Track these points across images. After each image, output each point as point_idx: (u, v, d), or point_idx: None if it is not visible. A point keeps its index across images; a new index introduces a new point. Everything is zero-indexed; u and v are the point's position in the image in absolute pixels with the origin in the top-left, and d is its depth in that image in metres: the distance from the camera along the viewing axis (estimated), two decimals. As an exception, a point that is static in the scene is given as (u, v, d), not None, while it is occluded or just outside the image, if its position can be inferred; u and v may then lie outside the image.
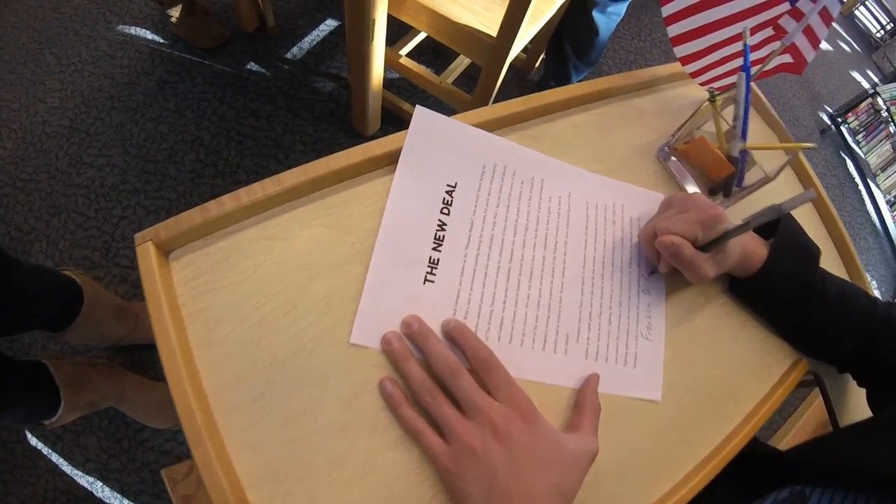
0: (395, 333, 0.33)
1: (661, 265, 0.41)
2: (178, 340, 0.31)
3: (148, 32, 1.29)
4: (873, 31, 2.93)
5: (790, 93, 2.29)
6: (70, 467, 0.90)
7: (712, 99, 0.44)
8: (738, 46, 0.50)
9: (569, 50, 1.27)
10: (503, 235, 0.40)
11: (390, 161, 0.40)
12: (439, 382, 0.32)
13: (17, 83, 1.19)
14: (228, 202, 0.34)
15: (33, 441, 0.91)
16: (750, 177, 0.46)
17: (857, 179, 2.25)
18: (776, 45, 0.51)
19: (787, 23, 0.49)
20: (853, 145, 2.25)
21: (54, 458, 0.90)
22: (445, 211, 0.39)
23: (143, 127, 1.15)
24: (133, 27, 1.29)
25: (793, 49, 0.52)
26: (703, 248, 0.38)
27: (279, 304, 0.33)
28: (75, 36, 1.26)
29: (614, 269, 0.42)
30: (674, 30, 0.49)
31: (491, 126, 0.44)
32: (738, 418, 0.42)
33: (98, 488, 0.89)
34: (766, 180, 0.44)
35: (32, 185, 1.07)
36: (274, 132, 1.20)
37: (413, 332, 0.33)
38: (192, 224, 0.33)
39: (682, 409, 0.40)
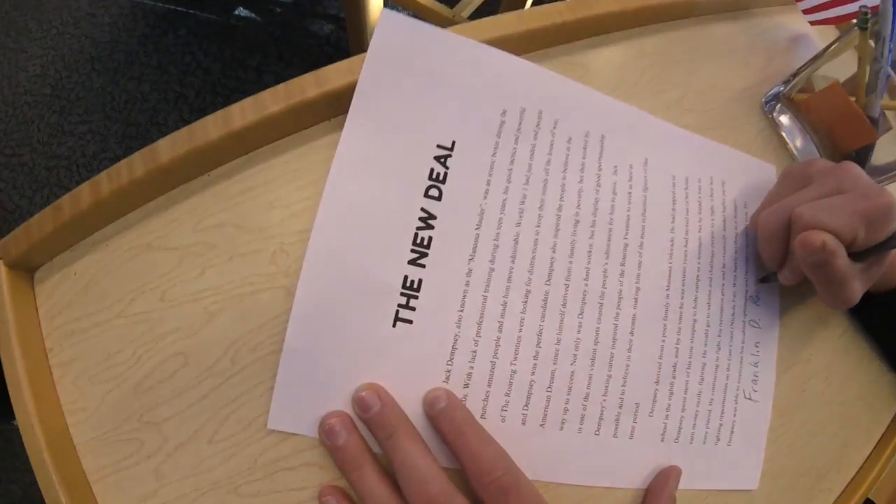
0: (342, 418, 0.20)
1: (783, 273, 0.25)
2: (40, 407, 0.21)
3: (130, -16, 1.15)
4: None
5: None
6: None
7: (864, 24, 0.27)
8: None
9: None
10: (536, 234, 0.23)
11: (338, 110, 0.23)
12: None
13: (0, 54, 1.12)
14: (87, 195, 0.22)
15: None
16: (882, 152, 0.30)
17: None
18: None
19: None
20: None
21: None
22: (434, 192, 0.22)
23: (125, 88, 1.05)
24: (113, -21, 1.16)
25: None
26: (857, 255, 0.23)
27: (165, 357, 0.21)
28: (58, -1, 1.16)
29: (713, 289, 0.26)
30: None
31: (516, 46, 0.26)
32: (839, 490, 0.30)
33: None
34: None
35: (15, 160, 1.03)
36: (264, 83, 1.07)
37: (372, 418, 0.20)
38: (44, 233, 0.22)
39: (778, 494, 0.28)
